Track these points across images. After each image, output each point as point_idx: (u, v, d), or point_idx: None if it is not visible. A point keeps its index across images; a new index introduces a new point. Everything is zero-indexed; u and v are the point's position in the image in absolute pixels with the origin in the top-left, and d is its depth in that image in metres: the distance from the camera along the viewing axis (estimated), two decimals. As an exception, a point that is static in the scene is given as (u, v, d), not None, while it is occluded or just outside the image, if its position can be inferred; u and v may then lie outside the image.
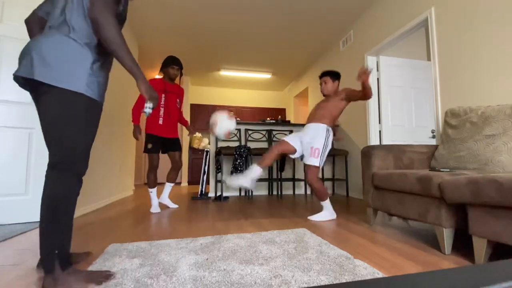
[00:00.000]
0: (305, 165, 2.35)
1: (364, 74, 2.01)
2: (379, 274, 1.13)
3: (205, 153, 3.89)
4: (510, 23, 1.89)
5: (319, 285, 0.85)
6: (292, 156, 2.43)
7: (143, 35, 4.27)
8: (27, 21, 1.21)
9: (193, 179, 6.13)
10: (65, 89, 0.99)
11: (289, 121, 4.84)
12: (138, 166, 5.93)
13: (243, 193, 4.11)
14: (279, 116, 6.20)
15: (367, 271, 1.15)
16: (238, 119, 4.42)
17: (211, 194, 3.89)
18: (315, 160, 2.28)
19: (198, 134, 6.30)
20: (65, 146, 1.01)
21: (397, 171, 1.77)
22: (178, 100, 2.85)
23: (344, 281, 1.05)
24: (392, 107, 3.20)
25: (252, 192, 3.66)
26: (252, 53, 5.02)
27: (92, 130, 1.10)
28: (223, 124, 2.23)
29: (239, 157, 3.49)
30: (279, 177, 3.95)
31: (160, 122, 2.69)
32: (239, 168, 3.70)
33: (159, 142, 2.69)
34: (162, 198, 2.91)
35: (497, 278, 0.26)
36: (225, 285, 1.02)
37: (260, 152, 3.55)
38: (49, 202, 0.98)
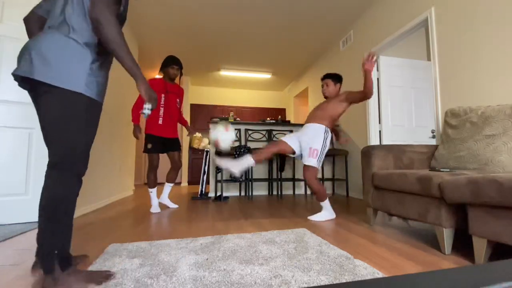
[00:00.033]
0: (304, 165, 2.35)
1: (369, 61, 2.01)
2: (379, 274, 1.13)
3: (205, 153, 3.89)
4: (510, 23, 1.89)
5: (319, 285, 0.85)
6: (291, 155, 2.43)
7: (143, 35, 4.27)
8: (26, 20, 1.20)
9: (193, 179, 6.13)
10: (64, 89, 0.99)
11: (289, 121, 4.84)
12: (138, 166, 5.94)
13: (243, 193, 4.11)
14: (279, 116, 6.20)
15: (367, 271, 1.15)
16: (238, 119, 4.42)
17: (211, 194, 3.89)
18: (313, 161, 2.28)
19: (198, 134, 6.28)
20: (64, 146, 1.01)
21: (397, 171, 1.77)
22: (178, 100, 2.85)
23: (344, 281, 1.05)
24: (392, 107, 3.20)
25: (252, 192, 3.66)
26: (252, 53, 5.02)
27: (91, 130, 1.10)
28: (224, 137, 2.26)
29: (239, 157, 3.49)
30: (279, 177, 3.95)
31: (160, 122, 2.69)
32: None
33: (159, 142, 2.69)
34: (162, 198, 2.91)
35: (497, 278, 0.26)
36: (225, 285, 1.02)
37: (260, 152, 3.55)
38: (49, 202, 0.98)
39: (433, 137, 2.89)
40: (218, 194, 3.84)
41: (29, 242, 1.62)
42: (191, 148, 6.21)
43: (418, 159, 2.09)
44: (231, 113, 4.41)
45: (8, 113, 2.09)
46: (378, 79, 3.29)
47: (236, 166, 2.14)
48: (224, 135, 2.24)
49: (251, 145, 4.12)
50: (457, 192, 1.29)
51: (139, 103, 2.65)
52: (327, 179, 4.10)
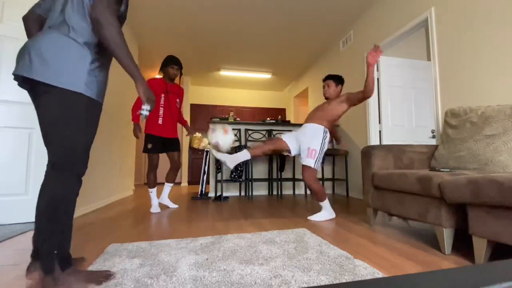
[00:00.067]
0: (302, 166, 2.35)
1: (372, 53, 1.96)
2: (379, 274, 1.13)
3: (205, 153, 3.89)
4: (510, 23, 1.89)
5: (319, 285, 0.85)
6: (288, 154, 2.43)
7: (143, 35, 4.27)
8: (25, 19, 1.19)
9: (193, 179, 6.13)
10: (64, 89, 0.99)
11: (289, 121, 4.84)
12: (138, 166, 5.93)
13: (243, 193, 4.11)
14: (279, 116, 6.19)
15: (367, 271, 1.15)
16: (238, 119, 4.41)
17: (211, 194, 3.89)
18: (311, 161, 2.28)
19: (198, 134, 6.29)
20: (64, 146, 1.01)
21: (397, 171, 1.77)
22: (178, 100, 2.85)
23: (344, 281, 1.05)
24: (392, 107, 3.20)
25: (252, 192, 3.66)
26: (252, 53, 5.02)
27: (91, 130, 1.10)
28: (224, 140, 2.28)
29: (239, 157, 3.49)
30: (279, 177, 3.95)
31: (160, 122, 2.68)
32: (239, 168, 3.70)
33: (158, 142, 2.69)
34: (161, 198, 2.91)
35: (497, 278, 0.26)
36: (225, 285, 1.02)
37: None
38: (49, 202, 0.98)
39: (433, 137, 2.89)
40: (218, 194, 3.84)
41: (29, 242, 1.62)
42: (191, 148, 6.21)
43: (418, 159, 2.09)
44: (231, 113, 4.40)
45: (8, 113, 2.09)
46: (378, 79, 3.29)
47: (231, 160, 2.15)
48: (223, 138, 2.25)
49: (251, 145, 4.12)
50: (457, 192, 1.29)
51: (139, 103, 2.65)
52: (327, 179, 4.10)
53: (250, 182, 3.71)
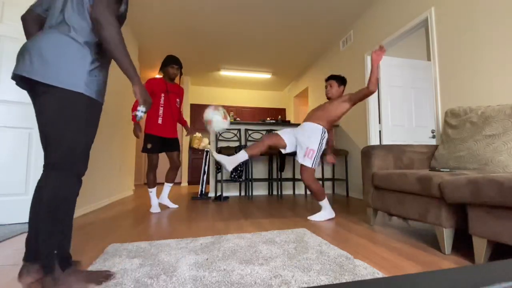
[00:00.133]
0: (300, 165, 2.35)
1: (377, 52, 2.08)
2: (379, 274, 1.13)
3: (205, 153, 3.89)
4: (510, 23, 1.89)
5: (319, 285, 0.85)
6: (283, 151, 2.42)
7: (143, 35, 4.27)
8: (24, 18, 1.19)
9: (193, 179, 6.13)
10: (64, 89, 0.99)
11: (289, 121, 4.84)
12: (138, 166, 5.94)
13: (243, 193, 4.11)
14: (279, 116, 6.22)
15: (367, 271, 1.15)
16: (238, 119, 4.42)
17: (211, 194, 3.89)
18: (308, 161, 2.27)
19: (198, 134, 6.30)
20: (64, 146, 1.01)
21: (397, 171, 1.77)
22: (178, 100, 2.85)
23: (344, 281, 1.05)
24: (392, 107, 3.20)
25: (252, 192, 3.66)
26: (252, 53, 5.02)
27: (91, 130, 1.10)
28: (218, 122, 2.28)
29: (239, 157, 3.49)
30: (279, 177, 3.95)
31: (160, 121, 2.68)
32: (239, 168, 3.70)
33: (158, 142, 2.69)
34: (161, 198, 2.91)
35: (497, 278, 0.26)
36: (225, 285, 1.02)
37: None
38: (49, 202, 0.98)
39: (433, 137, 2.89)
40: (218, 194, 3.84)
41: (29, 242, 1.62)
42: (191, 148, 6.21)
43: (418, 159, 2.09)
44: (231, 113, 4.41)
45: (8, 113, 2.09)
46: (378, 79, 3.29)
47: (229, 162, 2.15)
48: (219, 120, 2.25)
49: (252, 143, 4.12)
50: (457, 192, 1.29)
51: (138, 103, 2.66)
52: (327, 179, 4.09)
53: (250, 182, 3.71)
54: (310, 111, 2.50)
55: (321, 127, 2.33)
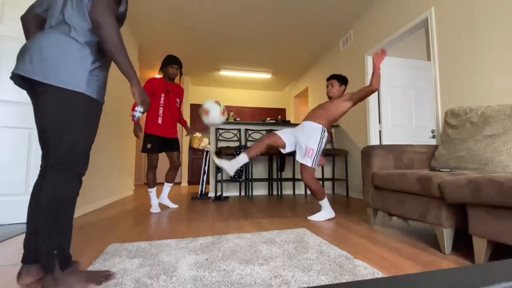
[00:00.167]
0: (300, 165, 2.35)
1: (378, 55, 2.14)
2: (379, 274, 1.13)
3: (205, 153, 3.89)
4: (510, 23, 1.89)
5: (319, 285, 0.85)
6: (282, 151, 2.43)
7: (143, 35, 4.27)
8: (23, 18, 1.19)
9: (193, 179, 6.13)
10: (65, 89, 0.99)
11: (289, 121, 4.84)
12: (138, 166, 5.94)
13: (243, 193, 4.11)
14: (279, 116, 6.21)
15: (367, 271, 1.15)
16: (238, 119, 4.42)
17: (211, 194, 3.89)
18: (308, 160, 2.28)
19: (198, 134, 6.30)
20: (64, 146, 1.01)
21: (397, 171, 1.77)
22: (178, 100, 2.85)
23: (344, 281, 1.05)
24: (392, 107, 3.20)
25: (252, 192, 3.66)
26: (252, 53, 5.02)
27: (92, 130, 1.10)
28: (215, 116, 2.34)
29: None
30: (279, 177, 3.95)
31: (160, 121, 2.68)
32: (239, 168, 3.70)
33: (158, 142, 2.69)
34: (161, 198, 2.91)
35: (497, 278, 0.26)
36: (225, 285, 1.02)
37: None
38: (49, 202, 0.98)
39: (433, 137, 2.89)
40: (218, 194, 3.84)
41: (29, 242, 1.62)
42: (191, 148, 6.21)
43: (418, 159, 2.09)
44: (231, 113, 4.41)
45: (8, 113, 2.09)
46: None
47: (230, 166, 2.19)
48: (216, 115, 2.32)
49: (251, 145, 4.12)
50: (457, 192, 1.29)
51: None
52: (327, 179, 4.10)
53: (250, 182, 3.71)
54: (310, 111, 2.50)
55: (321, 126, 2.33)
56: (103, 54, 1.11)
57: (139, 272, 1.15)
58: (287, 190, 4.29)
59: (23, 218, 2.07)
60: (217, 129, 3.99)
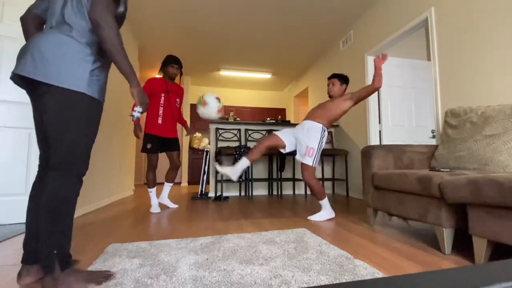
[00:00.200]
0: (301, 164, 2.36)
1: (380, 58, 2.18)
2: (379, 274, 1.13)
3: (205, 153, 3.89)
4: (510, 23, 1.89)
5: (319, 285, 0.85)
6: (283, 151, 2.43)
7: (143, 35, 4.27)
8: (23, 19, 1.19)
9: (193, 179, 6.13)
10: (66, 89, 0.99)
11: (289, 121, 4.84)
12: (138, 166, 5.93)
13: (243, 193, 4.11)
14: (279, 116, 6.20)
15: (367, 271, 1.15)
16: (238, 119, 4.42)
17: (211, 194, 3.89)
18: (309, 159, 2.28)
19: (198, 134, 6.30)
20: (65, 146, 1.01)
21: (397, 171, 1.77)
22: (178, 100, 2.85)
23: (344, 281, 1.05)
24: (392, 107, 3.20)
25: (252, 192, 3.66)
26: (252, 53, 5.02)
27: (93, 130, 1.10)
28: (211, 112, 2.42)
29: (239, 157, 3.49)
30: (279, 177, 3.95)
31: (160, 121, 2.68)
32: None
33: (158, 142, 2.69)
34: (161, 198, 2.91)
35: (497, 278, 0.26)
36: (225, 285, 1.02)
37: (260, 152, 3.55)
38: (49, 202, 0.98)
39: (433, 137, 2.89)
40: (218, 194, 3.84)
41: (29, 242, 1.62)
42: (191, 148, 6.21)
43: (418, 159, 2.09)
44: (231, 113, 4.41)
45: (8, 113, 2.09)
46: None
47: (233, 172, 2.20)
48: (213, 110, 2.40)
49: (251, 145, 4.12)
50: (457, 192, 1.29)
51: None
52: (327, 179, 4.09)
53: (250, 182, 3.71)
54: (311, 110, 2.51)
55: (321, 125, 2.34)
56: (104, 54, 1.11)
57: (139, 272, 1.15)
58: (287, 190, 4.29)
59: (23, 218, 2.07)
60: (217, 129, 3.99)
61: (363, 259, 1.31)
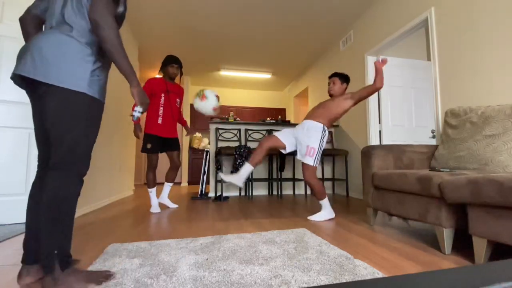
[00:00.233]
0: (302, 164, 2.36)
1: (382, 62, 2.20)
2: (379, 274, 1.13)
3: (205, 153, 3.89)
4: (510, 23, 1.89)
5: (319, 285, 0.85)
6: (283, 151, 2.44)
7: (143, 35, 4.27)
8: (22, 19, 1.18)
9: (193, 179, 6.13)
10: (67, 89, 0.99)
11: (289, 121, 4.84)
12: (138, 166, 5.94)
13: (243, 193, 4.11)
14: (279, 116, 6.20)
15: (367, 271, 1.15)
16: (238, 119, 4.42)
17: (211, 194, 3.89)
18: (310, 159, 2.28)
19: (198, 134, 6.30)
20: (65, 146, 1.01)
21: (397, 171, 1.77)
22: (178, 100, 2.85)
23: (344, 281, 1.05)
24: (392, 107, 3.20)
25: (252, 192, 3.66)
26: (252, 53, 5.02)
27: (94, 129, 1.10)
28: (207, 107, 2.48)
29: (239, 157, 3.49)
30: (279, 177, 3.95)
31: (160, 121, 2.68)
32: (239, 168, 3.70)
33: (158, 142, 2.69)
34: (161, 198, 2.91)
35: (497, 278, 0.26)
36: (225, 285, 1.02)
37: (260, 152, 3.55)
38: (49, 202, 0.98)
39: (433, 137, 2.89)
40: (218, 194, 3.84)
41: (29, 242, 1.62)
42: (191, 148, 6.21)
43: (418, 159, 2.09)
44: (231, 113, 4.41)
45: (8, 113, 2.09)
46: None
47: (239, 179, 2.23)
48: (209, 106, 2.46)
49: (251, 145, 4.12)
50: (457, 192, 1.29)
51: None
52: (327, 179, 4.09)
53: (250, 182, 3.71)
54: (311, 109, 2.51)
55: (322, 125, 2.34)
56: (104, 54, 1.11)
57: (139, 272, 1.15)
58: (287, 190, 4.29)
59: (23, 218, 2.07)
60: (217, 129, 3.99)
61: (363, 259, 1.31)
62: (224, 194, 3.96)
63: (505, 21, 1.92)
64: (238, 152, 3.50)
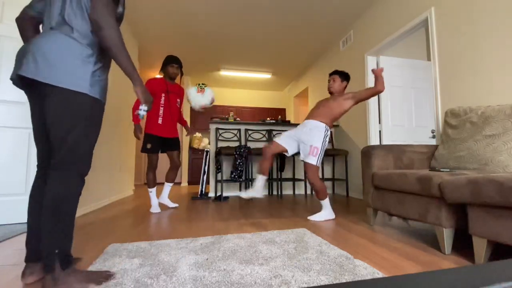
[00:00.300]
0: (304, 163, 2.36)
1: (380, 69, 2.24)
2: (379, 274, 1.13)
3: (205, 153, 3.89)
4: (510, 23, 1.89)
5: (319, 285, 0.85)
6: (287, 154, 2.46)
7: (143, 35, 4.27)
8: (18, 19, 1.18)
9: (193, 179, 6.13)
10: (69, 90, 0.99)
11: (289, 121, 4.84)
12: (138, 166, 5.93)
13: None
14: (279, 116, 6.20)
15: (367, 271, 1.15)
16: (238, 119, 4.42)
17: (211, 194, 3.89)
18: (313, 159, 2.28)
19: (198, 134, 6.30)
20: (67, 146, 1.01)
21: (397, 171, 1.77)
22: (178, 100, 2.85)
23: (344, 281, 1.05)
24: (392, 107, 3.20)
25: (252, 192, 3.66)
26: (252, 53, 5.02)
27: (95, 130, 1.11)
28: (205, 100, 2.58)
29: (239, 157, 3.49)
30: (279, 177, 3.95)
31: (160, 121, 2.68)
32: (239, 168, 3.70)
33: (158, 142, 2.69)
34: (161, 198, 2.91)
35: (497, 278, 0.26)
36: (225, 285, 1.02)
37: (260, 152, 3.55)
38: (50, 202, 0.98)
39: (433, 137, 2.89)
40: (218, 194, 3.84)
41: (29, 242, 1.62)
42: (191, 148, 6.21)
43: (418, 159, 2.09)
44: (231, 113, 4.41)
45: (8, 113, 2.09)
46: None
47: (258, 192, 2.32)
48: (203, 100, 2.55)
49: (251, 145, 4.12)
50: (457, 192, 1.29)
51: (138, 104, 2.66)
52: (327, 179, 4.09)
53: (250, 182, 3.71)
54: (312, 109, 2.52)
55: (324, 125, 2.35)
56: (104, 55, 1.11)
57: (139, 272, 1.15)
58: (287, 190, 4.29)
59: (23, 218, 2.07)
60: (217, 129, 3.99)
61: (363, 259, 1.31)
62: (224, 194, 3.96)
63: (505, 21, 1.92)
64: (238, 152, 3.50)
